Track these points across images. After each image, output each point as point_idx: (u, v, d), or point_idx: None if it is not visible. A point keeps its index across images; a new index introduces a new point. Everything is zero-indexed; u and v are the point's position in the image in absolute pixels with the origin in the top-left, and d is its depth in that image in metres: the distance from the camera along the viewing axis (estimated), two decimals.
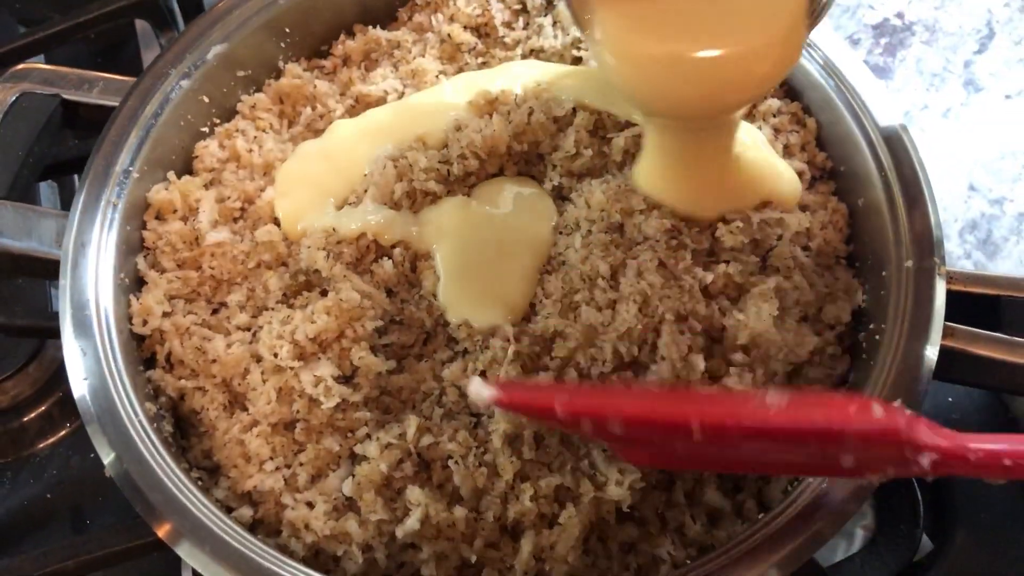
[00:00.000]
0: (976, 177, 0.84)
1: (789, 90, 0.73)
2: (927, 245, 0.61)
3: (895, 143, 0.65)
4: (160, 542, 0.57)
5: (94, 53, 1.06)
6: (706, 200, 0.62)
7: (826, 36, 0.70)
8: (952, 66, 0.90)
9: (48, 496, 0.82)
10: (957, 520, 0.71)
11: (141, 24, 1.01)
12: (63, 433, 0.84)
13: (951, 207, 0.83)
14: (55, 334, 0.75)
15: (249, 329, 0.65)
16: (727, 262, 0.63)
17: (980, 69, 0.90)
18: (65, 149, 0.80)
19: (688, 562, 0.56)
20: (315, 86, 0.75)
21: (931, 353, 0.58)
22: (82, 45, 1.04)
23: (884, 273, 0.63)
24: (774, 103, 0.71)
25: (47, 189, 0.92)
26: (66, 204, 0.92)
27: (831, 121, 0.69)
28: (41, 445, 0.84)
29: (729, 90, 0.53)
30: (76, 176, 0.92)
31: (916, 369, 0.58)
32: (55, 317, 0.65)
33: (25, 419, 0.84)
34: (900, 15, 0.94)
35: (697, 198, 0.62)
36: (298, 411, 0.60)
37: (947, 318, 0.60)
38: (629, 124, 0.68)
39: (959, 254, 0.80)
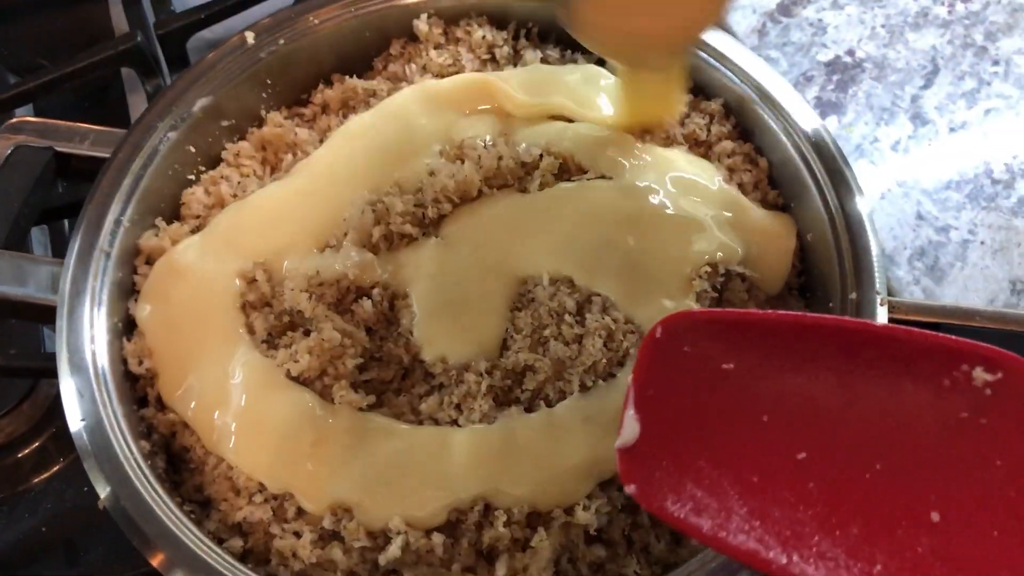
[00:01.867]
0: (924, 206, 0.89)
1: (742, 131, 0.77)
2: (869, 278, 0.66)
3: (839, 182, 0.70)
4: (153, 572, 0.61)
5: (81, 98, 1.09)
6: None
7: (774, 80, 0.75)
8: (900, 101, 0.95)
9: (43, 529, 0.85)
10: None
11: (127, 71, 1.04)
12: (57, 468, 0.87)
13: (900, 235, 0.87)
14: (49, 374, 0.79)
15: None
16: None
17: (926, 103, 0.95)
18: (55, 196, 0.84)
19: None
20: (296, 134, 0.79)
21: None
22: (69, 91, 1.07)
23: (831, 304, 0.67)
24: (728, 145, 0.75)
25: (37, 232, 0.95)
26: (56, 247, 0.96)
27: (781, 161, 0.74)
28: (36, 480, 0.87)
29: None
30: (65, 221, 0.96)
31: None
32: (48, 358, 0.68)
33: (20, 455, 0.87)
34: (851, 52, 0.99)
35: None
36: None
37: None
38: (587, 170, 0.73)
39: (908, 280, 0.85)
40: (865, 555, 0.42)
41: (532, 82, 0.78)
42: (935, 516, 0.41)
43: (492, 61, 0.81)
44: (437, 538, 0.60)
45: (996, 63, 0.97)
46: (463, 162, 0.73)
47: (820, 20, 1.01)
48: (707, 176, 0.73)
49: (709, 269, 0.68)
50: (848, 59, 0.99)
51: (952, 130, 0.93)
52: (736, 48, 0.78)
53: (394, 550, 0.59)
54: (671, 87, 0.75)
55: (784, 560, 0.43)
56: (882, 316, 0.65)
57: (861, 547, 0.42)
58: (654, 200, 0.70)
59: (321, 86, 0.82)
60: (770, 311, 0.48)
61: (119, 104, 1.05)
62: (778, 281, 0.72)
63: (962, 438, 0.42)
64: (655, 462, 0.47)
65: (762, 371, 0.46)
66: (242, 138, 0.80)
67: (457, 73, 0.80)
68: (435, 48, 0.81)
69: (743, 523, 0.44)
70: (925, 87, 0.96)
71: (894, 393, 0.43)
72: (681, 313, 0.49)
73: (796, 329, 0.46)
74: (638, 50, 0.70)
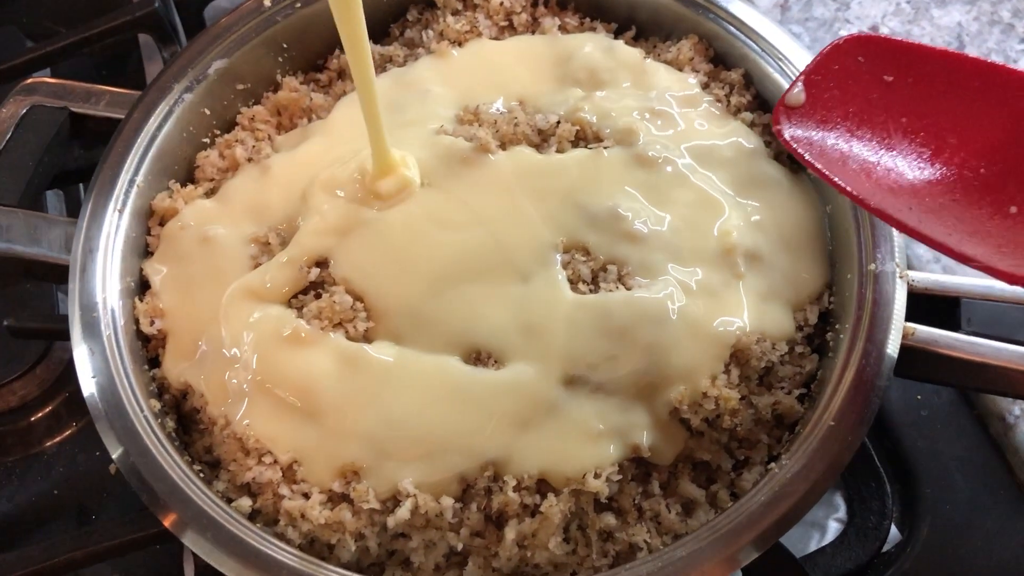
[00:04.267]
0: None
1: (762, 103, 0.76)
2: (889, 250, 0.65)
3: None
4: (162, 533, 0.61)
5: (98, 65, 1.09)
6: None
7: (797, 53, 0.74)
8: None
9: (55, 492, 0.85)
10: (924, 512, 0.75)
11: (144, 37, 1.04)
12: (69, 432, 0.88)
13: None
14: (62, 336, 0.79)
15: None
16: None
17: None
18: (71, 159, 0.84)
19: (662, 547, 0.60)
20: (311, 99, 0.79)
21: (891, 351, 0.62)
22: (87, 57, 1.07)
23: (849, 276, 0.66)
24: (748, 115, 0.74)
25: (53, 197, 0.96)
26: (71, 211, 0.96)
27: None
28: (48, 443, 0.87)
29: None
30: (81, 185, 0.96)
31: (876, 366, 0.61)
32: (62, 320, 0.68)
33: (33, 418, 0.87)
34: (875, 28, 0.98)
35: None
36: None
37: (909, 319, 0.64)
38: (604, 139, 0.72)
39: (928, 258, 0.84)
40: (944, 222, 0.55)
41: None
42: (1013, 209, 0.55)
43: (510, 28, 0.81)
44: (446, 501, 0.59)
45: (1023, 41, 0.95)
46: (479, 124, 0.72)
47: None
48: (726, 138, 0.73)
49: (732, 246, 0.67)
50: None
51: None
52: (757, 18, 0.76)
53: (403, 513, 0.59)
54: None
55: (871, 201, 0.56)
56: (901, 289, 0.64)
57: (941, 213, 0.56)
58: (669, 170, 0.69)
59: (337, 51, 0.82)
60: (939, 47, 0.60)
61: (137, 72, 1.05)
62: (807, 250, 0.70)
63: None
64: (805, 122, 0.61)
65: (915, 87, 0.59)
66: (257, 102, 0.80)
67: (475, 38, 0.79)
68: (452, 14, 0.80)
69: (861, 178, 0.58)
70: None
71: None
72: (868, 35, 0.62)
73: (955, 63, 0.59)
74: None
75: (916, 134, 0.59)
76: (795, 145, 0.60)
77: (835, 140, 0.60)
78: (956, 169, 0.57)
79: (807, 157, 0.59)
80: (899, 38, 0.61)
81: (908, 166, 0.59)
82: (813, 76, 0.61)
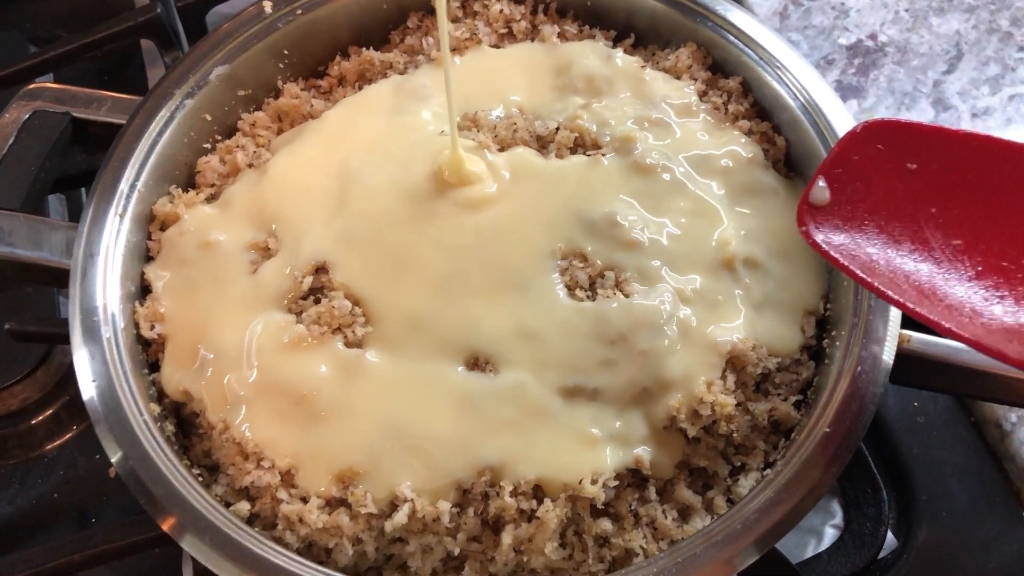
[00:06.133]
0: None
1: (760, 111, 0.77)
2: None
3: None
4: (161, 537, 0.61)
5: (100, 70, 1.10)
6: None
7: (795, 61, 0.74)
8: (922, 86, 0.94)
9: (55, 495, 0.86)
10: (920, 519, 0.75)
11: (146, 43, 1.05)
12: (70, 435, 0.88)
13: None
14: (63, 340, 0.79)
15: None
16: None
17: (949, 88, 0.94)
18: (73, 164, 0.85)
19: (658, 553, 0.60)
20: (312, 105, 0.79)
21: (887, 357, 0.62)
22: (89, 63, 1.08)
23: (845, 283, 0.66)
24: (745, 124, 0.75)
25: (55, 201, 0.96)
26: (73, 216, 0.97)
27: (799, 140, 0.73)
28: (49, 447, 0.88)
29: None
30: (83, 189, 0.96)
31: (872, 373, 0.61)
32: (63, 324, 0.69)
33: (34, 421, 0.88)
34: (873, 36, 0.98)
35: None
36: None
37: (905, 326, 0.64)
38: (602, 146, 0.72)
39: None
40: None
41: None
42: None
43: (509, 35, 0.81)
44: (444, 506, 0.60)
45: (1022, 49, 0.96)
46: (478, 130, 0.72)
47: (843, 3, 1.00)
48: (723, 147, 0.73)
49: (729, 255, 0.67)
50: (870, 43, 0.98)
51: (975, 115, 0.92)
52: (755, 26, 0.77)
53: (400, 517, 0.59)
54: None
55: (912, 306, 0.53)
56: None
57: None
58: (667, 178, 0.70)
59: (338, 58, 0.82)
60: (963, 130, 0.57)
61: (139, 77, 1.05)
62: (804, 258, 0.70)
63: None
64: (832, 220, 0.58)
65: (941, 174, 0.56)
66: (258, 108, 0.80)
67: (475, 46, 0.80)
68: (452, 21, 0.81)
69: (900, 279, 0.55)
70: (948, 72, 0.95)
71: None
72: (885, 119, 0.58)
73: (981, 145, 0.55)
74: None
75: (948, 226, 0.55)
76: (826, 248, 0.56)
77: (864, 239, 0.56)
78: (996, 260, 0.54)
79: (841, 261, 0.56)
80: (919, 121, 0.59)
81: (945, 261, 0.55)
82: (833, 170, 0.57)
